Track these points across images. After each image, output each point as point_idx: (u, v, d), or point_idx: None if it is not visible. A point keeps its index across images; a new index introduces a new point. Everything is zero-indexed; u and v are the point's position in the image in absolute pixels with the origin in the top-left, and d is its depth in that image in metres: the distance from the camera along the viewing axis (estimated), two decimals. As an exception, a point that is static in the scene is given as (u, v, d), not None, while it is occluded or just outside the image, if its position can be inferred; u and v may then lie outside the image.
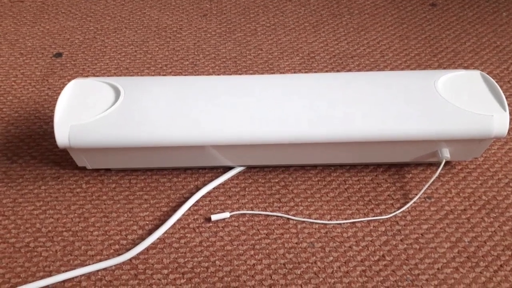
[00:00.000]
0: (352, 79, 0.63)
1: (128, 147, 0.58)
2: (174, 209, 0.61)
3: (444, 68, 0.83)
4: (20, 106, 0.74)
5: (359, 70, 0.82)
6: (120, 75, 0.80)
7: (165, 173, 0.66)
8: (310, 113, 0.59)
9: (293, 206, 0.62)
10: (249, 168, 0.66)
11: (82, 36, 0.87)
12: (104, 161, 0.62)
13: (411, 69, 0.82)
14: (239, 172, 0.66)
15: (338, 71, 0.81)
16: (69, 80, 0.79)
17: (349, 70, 0.82)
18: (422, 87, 0.62)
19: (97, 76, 0.79)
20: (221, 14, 0.93)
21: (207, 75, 0.80)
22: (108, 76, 0.79)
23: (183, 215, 0.61)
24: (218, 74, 0.80)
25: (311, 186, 0.64)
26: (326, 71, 0.81)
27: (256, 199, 0.63)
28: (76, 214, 0.61)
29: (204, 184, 0.64)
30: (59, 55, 0.83)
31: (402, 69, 0.82)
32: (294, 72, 0.81)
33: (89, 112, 0.59)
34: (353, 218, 0.61)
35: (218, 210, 0.62)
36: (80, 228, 0.60)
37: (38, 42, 0.86)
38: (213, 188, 0.64)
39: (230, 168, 0.66)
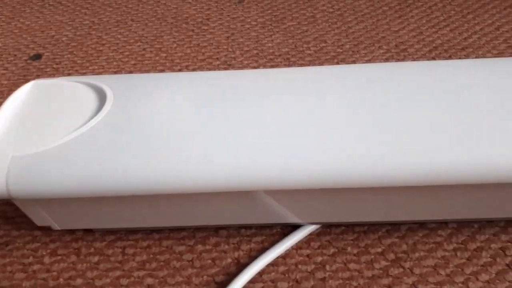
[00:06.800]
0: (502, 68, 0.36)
1: (119, 195, 0.31)
2: (199, 308, 0.34)
3: None
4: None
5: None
6: (121, 82, 0.54)
7: (183, 237, 0.38)
8: (446, 128, 0.31)
9: (419, 302, 0.34)
10: (327, 227, 0.38)
11: (72, 32, 0.63)
12: (80, 218, 0.36)
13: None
14: (311, 234, 0.38)
15: (445, 68, 0.53)
16: (46, 90, 0.54)
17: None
18: None
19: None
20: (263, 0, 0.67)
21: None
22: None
23: (214, 320, 0.33)
24: (265, 76, 0.54)
25: (445, 263, 0.36)
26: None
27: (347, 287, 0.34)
28: (23, 317, 0.34)
29: (250, 256, 0.37)
30: (37, 57, 0.59)
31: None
32: (379, 71, 0.53)
33: (49, 132, 0.33)
34: (544, 330, 0.32)
35: (279, 311, 0.34)
36: None
37: (12, 42, 0.62)
38: (267, 266, 0.36)
39: (294, 226, 0.38)
